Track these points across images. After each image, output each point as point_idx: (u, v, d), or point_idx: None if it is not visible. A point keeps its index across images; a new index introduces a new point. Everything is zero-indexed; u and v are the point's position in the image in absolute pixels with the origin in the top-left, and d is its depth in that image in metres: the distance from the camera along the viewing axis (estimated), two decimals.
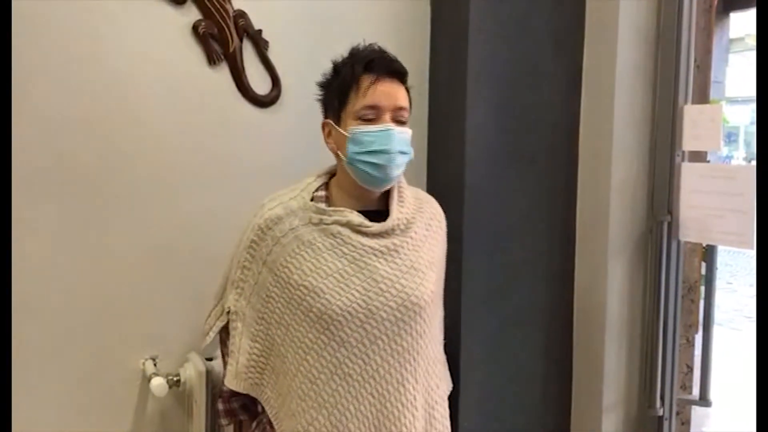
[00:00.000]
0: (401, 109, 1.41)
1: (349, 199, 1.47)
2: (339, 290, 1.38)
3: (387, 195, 1.50)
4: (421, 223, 1.50)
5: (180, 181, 1.81)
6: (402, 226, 1.46)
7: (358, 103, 1.40)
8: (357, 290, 1.39)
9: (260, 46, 1.86)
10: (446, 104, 1.97)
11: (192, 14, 1.78)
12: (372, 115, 1.39)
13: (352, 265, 1.40)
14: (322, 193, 1.49)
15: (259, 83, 1.87)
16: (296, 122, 1.90)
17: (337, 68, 1.46)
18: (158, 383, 1.73)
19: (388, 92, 1.40)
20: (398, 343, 1.41)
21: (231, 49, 1.82)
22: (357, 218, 1.42)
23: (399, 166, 1.42)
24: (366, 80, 1.39)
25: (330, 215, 1.43)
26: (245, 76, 1.85)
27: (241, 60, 1.84)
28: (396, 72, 1.42)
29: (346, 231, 1.42)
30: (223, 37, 1.80)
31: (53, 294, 1.70)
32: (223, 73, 1.83)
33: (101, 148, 1.71)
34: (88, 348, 1.75)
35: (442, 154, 2.01)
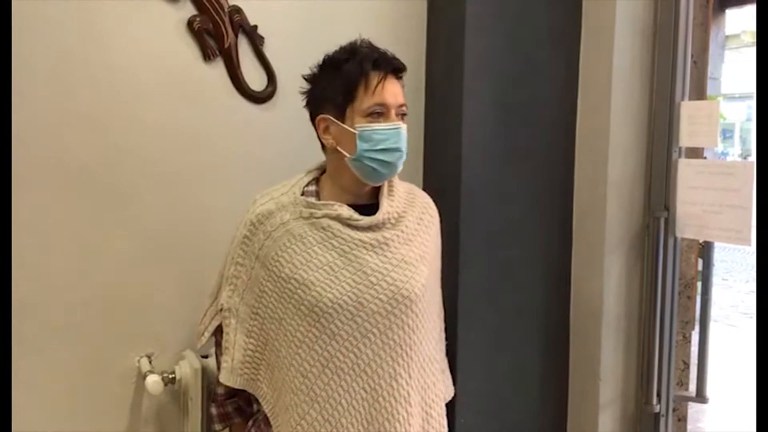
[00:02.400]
0: (403, 105, 1.44)
1: (340, 194, 1.47)
2: (329, 283, 1.39)
3: (377, 189, 1.50)
4: (413, 216, 1.50)
5: (175, 177, 1.80)
6: (392, 220, 1.46)
7: (367, 100, 1.40)
8: (347, 283, 1.39)
9: (255, 42, 1.85)
10: (443, 100, 1.97)
11: (187, 10, 1.77)
12: (381, 111, 1.40)
13: (342, 258, 1.41)
14: (312, 188, 1.50)
15: (255, 79, 1.87)
16: (292, 118, 1.88)
17: (336, 63, 1.44)
18: (153, 381, 1.72)
19: (393, 90, 1.42)
20: (390, 337, 1.41)
21: (226, 45, 1.81)
22: (347, 212, 1.42)
23: (401, 164, 1.45)
24: (375, 78, 1.40)
25: (320, 209, 1.43)
26: (241, 72, 1.84)
27: (236, 56, 1.83)
28: (398, 70, 1.45)
29: (335, 224, 1.42)
30: (219, 32, 1.79)
31: (48, 291, 1.69)
32: (219, 69, 1.82)
33: (96, 145, 1.70)
34: (84, 345, 1.75)
35: (439, 150, 2.00)
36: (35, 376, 1.70)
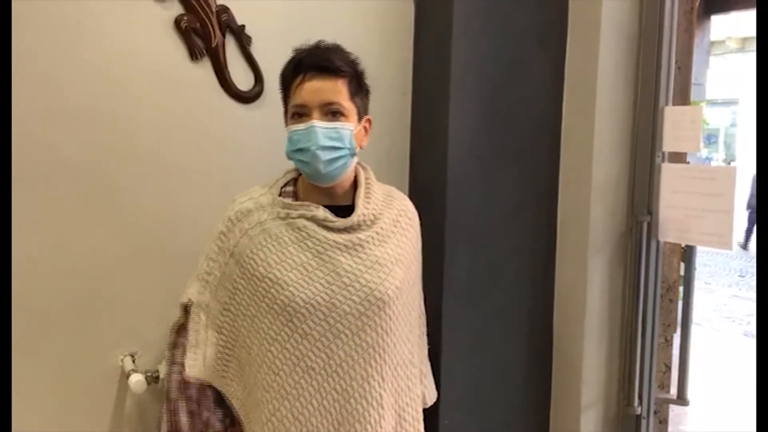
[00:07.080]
0: (331, 103, 1.40)
1: (315, 195, 1.48)
2: (302, 283, 1.40)
3: (355, 191, 1.51)
4: (388, 218, 1.51)
5: (161, 176, 1.79)
6: (368, 222, 1.47)
7: (290, 103, 1.43)
8: (320, 283, 1.40)
9: (243, 42, 1.85)
10: (430, 102, 1.98)
11: (174, 8, 1.77)
12: (301, 112, 1.41)
13: (316, 259, 1.42)
14: (289, 188, 1.51)
15: (242, 79, 1.86)
16: (278, 118, 1.88)
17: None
18: (137, 380, 1.72)
19: (314, 89, 1.39)
20: (362, 339, 1.41)
21: (213, 45, 1.80)
22: (322, 213, 1.44)
23: (330, 162, 1.40)
24: (295, 80, 1.42)
25: (296, 209, 1.44)
26: (228, 72, 1.84)
27: (223, 55, 1.83)
28: (324, 68, 1.40)
29: (311, 225, 1.43)
30: (206, 32, 1.79)
31: (32, 289, 1.68)
32: (206, 68, 1.82)
33: (82, 143, 1.70)
34: (67, 344, 1.74)
35: (425, 151, 2.01)
36: (17, 375, 1.68)
